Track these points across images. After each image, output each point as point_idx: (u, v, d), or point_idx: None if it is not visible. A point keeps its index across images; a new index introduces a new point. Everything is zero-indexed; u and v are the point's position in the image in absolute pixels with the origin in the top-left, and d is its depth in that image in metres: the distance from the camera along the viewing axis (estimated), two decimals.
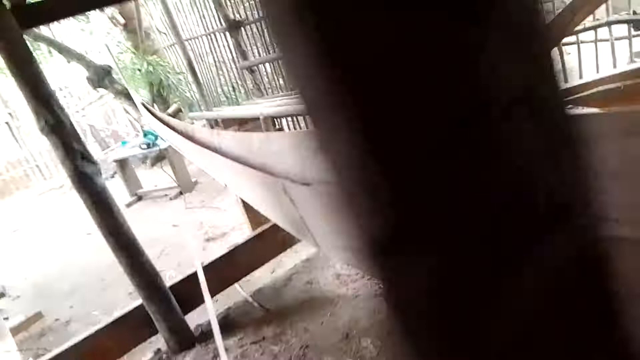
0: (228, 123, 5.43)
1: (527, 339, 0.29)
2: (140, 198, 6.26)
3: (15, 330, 3.38)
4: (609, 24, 3.31)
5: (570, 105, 0.29)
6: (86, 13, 8.88)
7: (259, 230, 3.24)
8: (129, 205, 6.05)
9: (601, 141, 0.75)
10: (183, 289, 2.78)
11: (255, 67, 6.32)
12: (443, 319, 0.32)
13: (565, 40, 3.42)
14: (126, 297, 3.65)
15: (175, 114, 6.66)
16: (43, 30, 8.00)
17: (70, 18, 7.95)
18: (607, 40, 3.63)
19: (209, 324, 2.75)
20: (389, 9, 0.24)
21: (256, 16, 6.25)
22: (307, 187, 2.25)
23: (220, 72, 7.24)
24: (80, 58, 7.65)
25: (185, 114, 7.30)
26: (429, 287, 0.31)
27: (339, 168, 0.31)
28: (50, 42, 7.74)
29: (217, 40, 6.90)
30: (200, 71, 6.77)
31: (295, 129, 5.96)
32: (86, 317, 3.57)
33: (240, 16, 6.26)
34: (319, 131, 0.31)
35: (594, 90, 2.20)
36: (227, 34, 6.33)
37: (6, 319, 3.62)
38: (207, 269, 2.91)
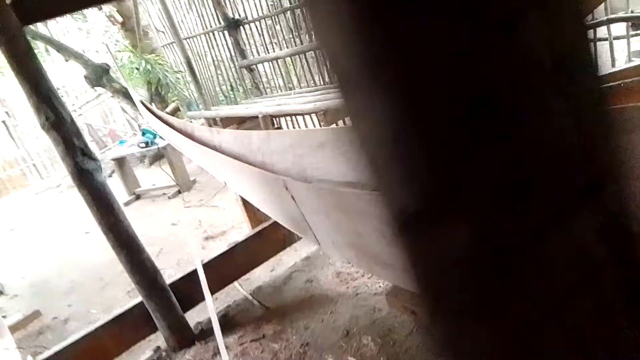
0: (227, 122, 5.42)
1: (556, 308, 0.29)
2: (138, 197, 6.25)
3: (12, 329, 3.36)
4: (608, 21, 3.32)
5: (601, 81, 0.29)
6: (84, 11, 8.87)
7: (259, 228, 3.24)
8: (127, 204, 6.03)
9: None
10: (182, 286, 2.77)
11: (254, 66, 6.32)
12: (475, 287, 0.31)
13: None
14: (125, 296, 3.64)
15: (173, 113, 6.65)
16: (41, 29, 7.98)
17: (69, 15, 7.94)
18: (605, 39, 3.64)
19: (208, 321, 2.75)
20: None
21: (255, 15, 6.25)
22: (309, 184, 2.25)
23: (219, 72, 7.23)
24: (78, 56, 7.63)
25: (183, 113, 7.29)
26: (462, 256, 0.30)
27: (372, 139, 0.31)
28: (48, 41, 7.72)
29: (215, 39, 6.88)
30: (198, 70, 6.76)
31: (294, 127, 5.96)
32: (85, 316, 3.56)
33: (240, 15, 6.26)
34: (351, 104, 0.31)
35: None
36: (226, 32, 6.32)
37: (4, 317, 3.61)
38: (206, 267, 2.90)
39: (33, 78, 2.19)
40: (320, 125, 5.33)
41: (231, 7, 6.25)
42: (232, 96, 7.11)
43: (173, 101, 7.75)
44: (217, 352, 2.53)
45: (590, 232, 0.28)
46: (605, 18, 3.27)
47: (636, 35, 3.61)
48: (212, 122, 5.41)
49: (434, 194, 0.30)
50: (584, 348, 0.31)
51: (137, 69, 7.66)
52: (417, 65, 0.26)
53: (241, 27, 6.27)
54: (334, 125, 4.65)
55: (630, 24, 3.46)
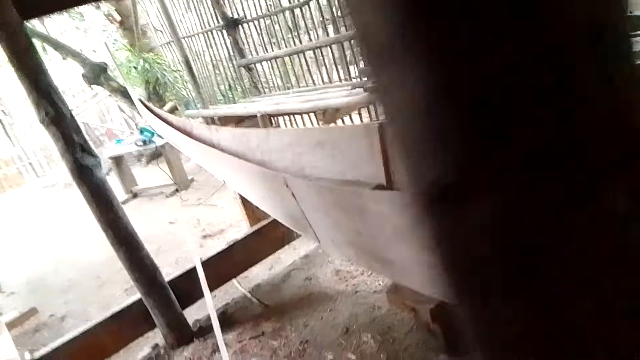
0: (225, 121, 5.42)
1: (590, 282, 0.29)
2: (135, 195, 6.23)
3: (9, 326, 3.33)
4: None
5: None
6: (81, 10, 8.84)
7: (258, 226, 3.23)
8: (124, 202, 6.01)
9: None
10: (181, 284, 2.76)
11: (253, 65, 6.31)
12: (506, 264, 0.31)
13: None
14: (122, 294, 3.63)
15: (171, 112, 6.62)
16: (39, 27, 7.96)
17: (68, 13, 7.91)
18: None
19: (207, 319, 2.74)
20: None
21: (254, 14, 6.25)
22: (309, 182, 2.25)
23: (217, 71, 7.22)
24: (75, 55, 7.61)
25: (181, 112, 7.27)
26: (494, 231, 0.30)
27: (403, 113, 0.31)
28: (46, 39, 7.69)
29: (214, 38, 6.87)
30: (196, 69, 6.74)
31: (292, 127, 5.96)
32: (82, 314, 3.55)
33: (238, 14, 6.25)
34: (382, 77, 0.30)
35: None
36: (225, 31, 6.31)
37: (0, 314, 3.59)
38: (205, 264, 2.90)
39: (33, 73, 2.18)
40: (319, 125, 5.33)
41: (230, 6, 6.24)
42: (230, 95, 7.10)
43: (171, 100, 7.74)
44: (215, 350, 2.52)
45: (626, 204, 0.28)
46: None
47: (635, 36, 3.62)
48: (210, 121, 5.40)
49: (467, 166, 0.29)
50: (619, 325, 0.30)
51: (135, 67, 7.65)
52: (453, 36, 0.26)
53: (240, 26, 6.27)
54: (332, 125, 4.65)
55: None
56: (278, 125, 5.73)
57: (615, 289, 0.29)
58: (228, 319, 2.75)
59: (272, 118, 5.52)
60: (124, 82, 7.52)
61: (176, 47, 6.47)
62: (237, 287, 3.13)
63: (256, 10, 6.12)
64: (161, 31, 8.28)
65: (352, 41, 6.45)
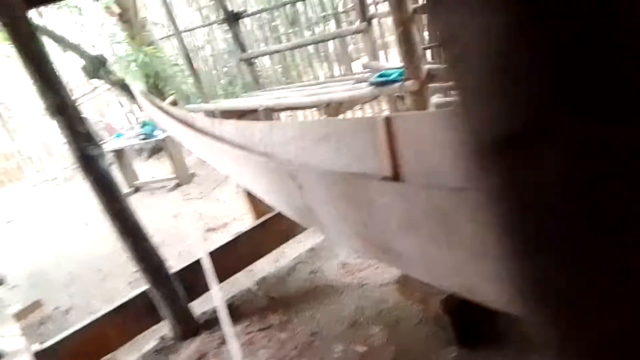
0: (226, 116, 5.40)
1: None
2: (137, 189, 6.21)
3: (14, 319, 3.33)
4: None
5: None
6: (79, 5, 8.79)
7: (262, 219, 3.22)
8: (126, 196, 5.99)
9: None
10: (186, 276, 2.75)
11: (254, 60, 6.29)
12: (576, 221, 0.29)
13: None
14: (126, 287, 3.62)
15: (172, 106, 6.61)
16: (37, 20, 7.90)
17: (67, 4, 7.85)
18: None
19: (213, 311, 2.73)
20: None
21: (255, 8, 6.22)
22: (316, 173, 2.23)
23: (218, 65, 7.20)
24: (75, 48, 7.57)
25: (181, 106, 7.24)
26: (567, 182, 0.28)
27: (470, 53, 0.29)
28: (45, 32, 7.64)
29: (214, 32, 6.85)
30: (197, 63, 6.71)
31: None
32: (86, 306, 3.53)
33: (239, 7, 6.22)
34: (446, 18, 0.29)
35: None
36: (225, 25, 6.28)
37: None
38: (209, 257, 2.88)
39: (37, 61, 2.17)
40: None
41: (231, 0, 6.21)
42: (230, 90, 7.07)
43: (171, 94, 7.70)
44: (223, 342, 2.52)
45: None
46: None
47: None
48: (211, 115, 5.38)
49: (543, 108, 0.28)
50: None
51: (135, 61, 7.61)
52: None
53: (241, 20, 6.23)
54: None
55: None
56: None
57: None
58: (234, 312, 2.73)
59: (273, 113, 5.50)
60: (123, 76, 7.50)
61: (177, 40, 6.44)
62: (242, 281, 3.12)
63: (257, 4, 6.09)
64: (161, 25, 8.25)
65: (354, 36, 6.42)
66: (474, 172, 0.33)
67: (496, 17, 0.27)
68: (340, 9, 5.77)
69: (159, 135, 5.83)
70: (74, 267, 4.46)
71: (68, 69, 10.42)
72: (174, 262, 3.41)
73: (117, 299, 2.77)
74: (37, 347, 2.44)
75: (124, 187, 6.13)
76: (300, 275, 2.99)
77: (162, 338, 2.69)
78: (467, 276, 1.05)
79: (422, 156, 1.77)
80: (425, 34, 5.25)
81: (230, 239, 3.07)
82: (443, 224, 1.02)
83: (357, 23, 4.96)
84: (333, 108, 4.55)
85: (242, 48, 6.23)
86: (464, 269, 1.04)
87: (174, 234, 4.37)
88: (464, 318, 2.00)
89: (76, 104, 2.35)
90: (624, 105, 0.26)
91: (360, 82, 4.21)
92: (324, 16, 5.99)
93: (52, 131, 10.84)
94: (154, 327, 2.74)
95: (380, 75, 3.76)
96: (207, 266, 2.75)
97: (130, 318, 2.62)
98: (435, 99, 4.81)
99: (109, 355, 2.71)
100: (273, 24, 6.38)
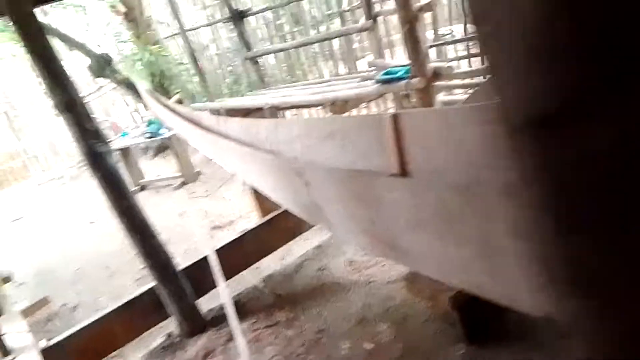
0: (231, 115, 5.39)
1: None
2: (143, 188, 6.22)
3: (21, 315, 3.34)
4: None
5: None
6: (84, 4, 8.81)
7: (269, 217, 3.22)
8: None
9: None
10: (193, 273, 2.75)
11: (259, 58, 6.28)
12: (619, 194, 0.29)
13: None
14: (133, 284, 3.63)
15: None
16: (42, 19, 7.92)
17: (73, 4, 7.88)
18: None
19: (220, 308, 2.74)
20: None
21: (260, 6, 6.22)
22: (323, 170, 2.23)
23: (223, 64, 7.20)
24: (81, 47, 7.59)
25: (187, 105, 7.25)
26: (604, 159, 0.28)
27: (508, 31, 0.29)
28: (51, 31, 7.66)
29: (219, 31, 6.85)
30: (202, 62, 6.72)
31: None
32: (93, 303, 3.55)
33: (245, 6, 6.22)
34: None
35: None
36: (231, 24, 6.28)
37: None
38: (216, 254, 2.88)
39: (46, 58, 2.17)
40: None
41: None
42: (235, 89, 7.07)
43: (176, 93, 7.71)
44: (229, 339, 2.52)
45: None
46: None
47: None
48: (216, 114, 5.38)
49: (582, 87, 0.27)
50: None
51: (140, 60, 7.62)
52: None
53: (246, 19, 6.23)
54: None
55: None
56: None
57: None
58: (241, 309, 2.73)
59: (279, 111, 5.49)
60: (129, 75, 7.52)
61: (182, 39, 6.44)
62: (249, 278, 3.12)
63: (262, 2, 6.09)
64: (166, 24, 8.26)
65: (359, 35, 6.41)
66: (507, 152, 0.32)
67: None
68: (345, 7, 5.76)
69: (165, 133, 5.84)
70: (81, 264, 4.48)
71: (74, 68, 10.46)
72: (181, 260, 3.42)
73: (124, 296, 2.77)
74: (44, 343, 2.44)
75: (129, 186, 6.16)
76: (307, 272, 2.99)
77: (169, 335, 2.69)
78: (477, 273, 1.04)
79: (429, 154, 1.76)
80: (431, 32, 5.24)
81: (236, 236, 3.07)
82: (452, 220, 1.02)
83: (362, 20, 4.95)
84: (338, 106, 4.53)
85: (247, 47, 6.22)
86: (473, 265, 1.03)
87: (180, 232, 4.38)
88: (473, 315, 1.99)
89: (84, 101, 2.35)
90: None
91: (366, 80, 4.20)
92: (329, 15, 5.98)
93: (58, 130, 10.88)
94: (161, 324, 2.75)
95: (386, 73, 3.75)
96: (214, 263, 2.75)
97: (137, 315, 2.63)
98: (441, 96, 4.80)
99: (116, 352, 2.72)
100: (278, 22, 6.38)
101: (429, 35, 4.49)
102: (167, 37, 8.09)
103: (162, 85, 7.78)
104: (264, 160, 2.29)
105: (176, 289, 2.58)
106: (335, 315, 2.49)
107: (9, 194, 9.38)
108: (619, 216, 0.30)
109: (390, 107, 5.13)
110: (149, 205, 5.52)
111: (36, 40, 2.16)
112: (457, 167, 1.60)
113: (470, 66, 5.28)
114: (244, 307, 2.78)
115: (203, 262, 2.80)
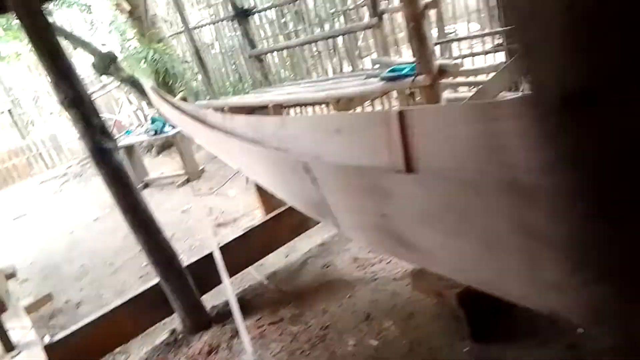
0: (235, 112, 5.40)
1: None
2: (147, 185, 6.22)
3: (25, 312, 3.34)
4: None
5: None
6: (89, 2, 8.82)
7: (274, 213, 3.21)
8: None
9: None
10: (198, 269, 2.74)
11: (264, 56, 6.28)
12: None
13: None
14: (137, 281, 3.63)
15: None
16: (48, 18, 7.94)
17: (77, 2, 7.88)
18: None
19: (224, 304, 2.73)
20: None
21: (265, 4, 6.21)
22: (332, 165, 2.22)
23: (227, 62, 7.20)
24: (86, 45, 7.60)
25: (191, 103, 7.25)
26: None
27: (542, 10, 0.28)
28: (56, 29, 7.67)
29: (224, 29, 6.85)
30: (207, 60, 6.72)
31: None
32: (97, 300, 3.55)
33: (249, 4, 6.21)
34: None
35: None
36: (235, 22, 6.27)
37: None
38: (221, 251, 2.87)
39: (52, 53, 2.17)
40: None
41: None
42: (239, 87, 7.07)
43: (180, 91, 7.71)
44: (234, 335, 2.51)
45: None
46: None
47: None
48: (220, 112, 5.38)
49: (624, 65, 0.26)
50: None
51: (145, 58, 7.63)
52: None
53: (250, 17, 6.23)
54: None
55: None
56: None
57: None
58: (246, 305, 2.72)
59: (283, 109, 5.49)
60: (133, 73, 7.53)
61: (186, 37, 6.44)
62: (253, 274, 3.11)
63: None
64: (170, 22, 8.26)
65: (363, 34, 6.40)
66: (541, 133, 0.31)
67: None
68: (350, 4, 5.75)
69: (169, 131, 5.84)
70: (84, 261, 4.48)
71: (78, 66, 10.48)
72: (185, 256, 3.42)
73: (128, 292, 2.77)
74: (48, 339, 2.44)
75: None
76: (311, 269, 2.98)
77: (173, 331, 2.68)
78: (484, 269, 1.03)
79: (436, 150, 1.75)
80: (435, 30, 5.22)
81: (241, 233, 3.06)
82: (458, 216, 1.01)
83: (367, 17, 4.95)
84: (343, 104, 4.52)
85: (252, 44, 6.23)
86: (481, 261, 1.02)
87: (185, 229, 4.38)
88: (479, 312, 1.98)
89: (91, 97, 2.35)
90: None
91: (371, 78, 4.19)
92: (333, 13, 5.97)
93: (62, 128, 10.90)
94: (165, 320, 2.74)
95: (392, 70, 3.73)
96: (218, 260, 2.74)
97: (141, 311, 2.62)
98: (446, 94, 4.78)
99: (119, 348, 2.72)
100: (282, 20, 6.37)
101: (433, 33, 4.48)
102: (172, 35, 8.10)
103: (166, 83, 7.79)
104: (271, 156, 2.28)
105: (180, 285, 2.57)
106: (341, 312, 2.47)
107: (13, 192, 9.41)
108: None
109: (395, 105, 5.11)
110: (154, 202, 5.51)
111: (44, 37, 2.15)
112: (463, 163, 1.59)
113: (474, 64, 5.27)
114: (248, 304, 2.77)
115: (207, 258, 2.79)
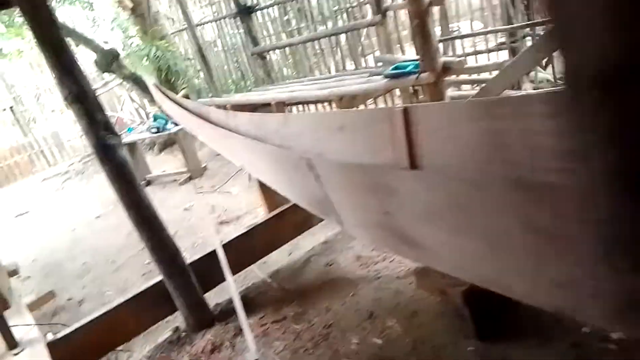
0: (238, 110, 5.39)
1: None
2: (149, 183, 6.22)
3: (27, 309, 3.34)
4: None
5: None
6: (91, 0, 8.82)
7: (277, 211, 3.20)
8: None
9: None
10: (201, 267, 2.73)
11: (266, 54, 6.26)
12: None
13: None
14: (140, 279, 3.62)
15: None
16: None
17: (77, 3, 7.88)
18: None
19: (228, 302, 2.72)
20: None
21: (268, 2, 6.19)
22: (335, 162, 2.21)
23: (230, 59, 7.19)
24: (88, 42, 7.59)
25: (193, 101, 7.24)
26: None
27: None
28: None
29: (227, 26, 6.84)
30: (209, 57, 6.70)
31: None
32: (99, 298, 3.54)
33: (252, 1, 6.20)
34: None
35: None
36: (238, 19, 6.26)
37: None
38: (224, 248, 2.86)
39: (56, 49, 2.16)
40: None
41: None
42: (242, 85, 7.06)
43: (183, 89, 7.71)
44: (237, 333, 2.51)
45: None
46: None
47: None
48: (223, 109, 5.37)
49: None
50: None
51: (147, 55, 7.62)
52: None
53: (253, 14, 6.21)
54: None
55: None
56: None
57: None
58: (249, 304, 2.72)
59: (286, 107, 5.47)
60: (135, 70, 7.52)
61: (189, 34, 6.43)
62: (256, 272, 3.10)
63: None
64: (173, 19, 8.25)
65: (367, 30, 6.38)
66: (575, 113, 0.30)
67: None
68: (353, 2, 5.72)
69: (171, 128, 5.83)
70: (86, 258, 4.48)
71: (80, 63, 10.47)
72: (188, 254, 3.41)
73: (130, 290, 2.76)
74: (50, 337, 2.43)
75: None
76: (314, 267, 2.97)
77: (176, 329, 2.68)
78: (490, 267, 1.02)
79: (440, 147, 1.73)
80: (438, 28, 5.20)
81: (244, 230, 3.05)
82: (463, 213, 0.99)
83: (370, 14, 4.93)
84: (346, 101, 4.51)
85: (254, 42, 6.21)
86: (486, 259, 1.01)
87: (187, 226, 4.37)
88: (484, 310, 1.97)
89: (94, 93, 2.34)
90: None
91: (375, 75, 4.17)
92: (336, 10, 5.95)
93: (64, 125, 10.90)
94: (168, 318, 2.74)
95: (395, 68, 3.72)
96: (221, 258, 2.74)
97: (144, 309, 2.61)
98: (450, 91, 4.77)
99: (122, 346, 2.71)
100: (285, 18, 6.35)
101: (437, 31, 4.46)
102: (174, 32, 8.08)
103: (168, 81, 7.79)
104: (274, 153, 2.27)
105: (183, 283, 2.56)
106: (344, 310, 2.47)
107: (15, 189, 9.41)
108: None
109: (398, 103, 5.10)
110: (156, 200, 5.49)
111: (48, 32, 2.15)
112: (467, 160, 1.57)
113: (477, 62, 5.25)
114: (252, 302, 2.76)
115: (210, 256, 2.78)
